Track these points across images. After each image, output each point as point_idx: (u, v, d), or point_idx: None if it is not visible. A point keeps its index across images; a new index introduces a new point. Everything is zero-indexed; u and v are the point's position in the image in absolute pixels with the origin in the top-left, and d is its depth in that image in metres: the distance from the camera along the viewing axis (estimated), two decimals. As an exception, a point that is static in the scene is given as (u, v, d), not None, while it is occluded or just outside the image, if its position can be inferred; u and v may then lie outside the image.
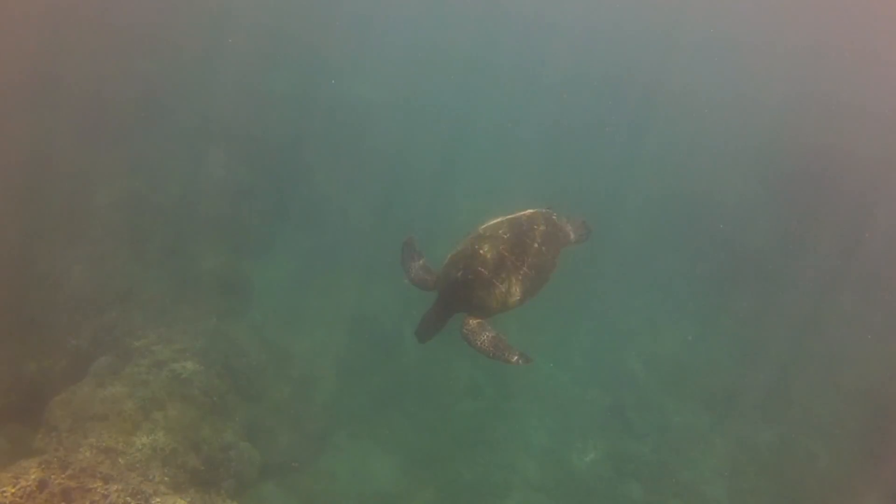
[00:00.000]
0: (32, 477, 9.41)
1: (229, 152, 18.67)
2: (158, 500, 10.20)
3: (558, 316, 16.20)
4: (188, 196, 17.13)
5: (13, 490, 9.06)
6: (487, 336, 6.49)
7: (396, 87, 24.29)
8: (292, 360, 14.59)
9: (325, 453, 13.52)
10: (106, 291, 14.03)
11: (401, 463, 13.80)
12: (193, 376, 12.66)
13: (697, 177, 22.20)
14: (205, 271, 15.38)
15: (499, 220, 7.08)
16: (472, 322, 6.52)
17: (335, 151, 20.45)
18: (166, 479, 10.99)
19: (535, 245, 6.77)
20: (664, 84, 26.05)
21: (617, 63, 28.03)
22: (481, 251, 6.53)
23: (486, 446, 14.45)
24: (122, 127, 18.06)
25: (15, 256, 13.98)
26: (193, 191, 17.58)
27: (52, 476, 9.58)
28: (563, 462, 14.50)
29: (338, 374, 14.74)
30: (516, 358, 6.48)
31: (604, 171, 22.27)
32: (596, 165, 22.47)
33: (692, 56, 27.60)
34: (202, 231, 16.36)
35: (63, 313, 13.62)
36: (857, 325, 18.01)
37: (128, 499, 9.74)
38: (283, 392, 13.95)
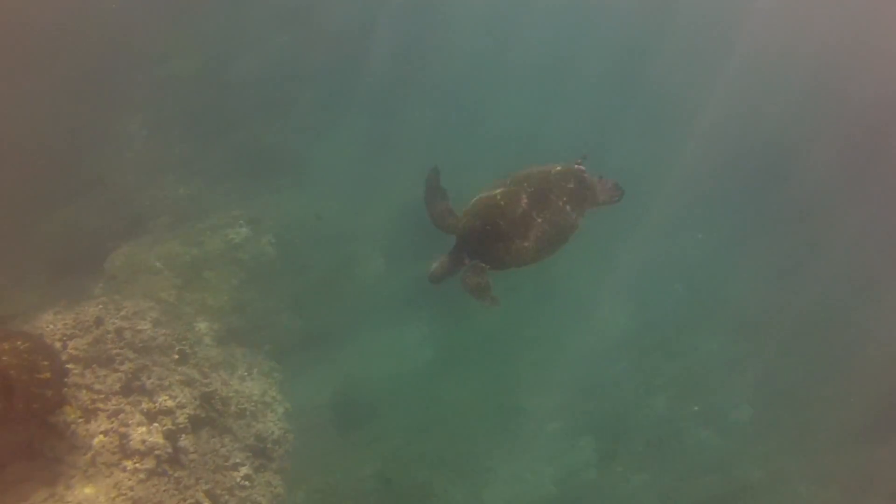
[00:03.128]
0: (91, 314, 10.16)
1: (297, 37, 18.81)
2: (201, 348, 10.95)
3: (604, 236, 16.22)
4: (256, 75, 17.44)
5: (74, 322, 9.84)
6: (477, 281, 6.43)
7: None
8: (342, 239, 14.98)
9: (363, 331, 14.02)
10: (169, 157, 14.61)
11: (436, 349, 14.25)
12: (245, 242, 13.28)
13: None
14: (266, 146, 15.90)
15: (528, 170, 6.85)
16: (478, 267, 6.44)
17: (405, 45, 20.35)
18: (211, 332, 11.72)
19: (560, 203, 6.55)
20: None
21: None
22: (502, 202, 6.39)
23: (521, 343, 14.77)
24: (197, 4, 18.30)
25: (85, 118, 14.56)
26: (261, 71, 17.85)
27: (108, 316, 10.33)
28: (594, 367, 14.78)
29: (384, 258, 15.12)
30: (490, 301, 6.47)
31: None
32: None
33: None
34: (266, 109, 16.73)
35: (127, 174, 14.27)
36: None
37: (173, 343, 10.48)
38: (329, 267, 14.44)
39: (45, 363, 7.65)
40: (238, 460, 9.79)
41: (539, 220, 6.40)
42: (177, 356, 10.40)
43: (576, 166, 6.94)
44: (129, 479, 8.58)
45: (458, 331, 14.17)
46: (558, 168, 6.84)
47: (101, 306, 10.56)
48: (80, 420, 8.84)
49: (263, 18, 18.77)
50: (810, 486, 13.05)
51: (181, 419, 9.59)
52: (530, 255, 6.45)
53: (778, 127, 20.88)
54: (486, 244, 6.35)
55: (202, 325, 11.63)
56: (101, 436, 8.84)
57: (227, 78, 17.25)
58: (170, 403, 9.61)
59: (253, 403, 10.78)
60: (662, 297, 16.77)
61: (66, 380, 8.51)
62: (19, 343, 7.62)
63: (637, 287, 16.55)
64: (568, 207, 6.57)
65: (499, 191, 6.53)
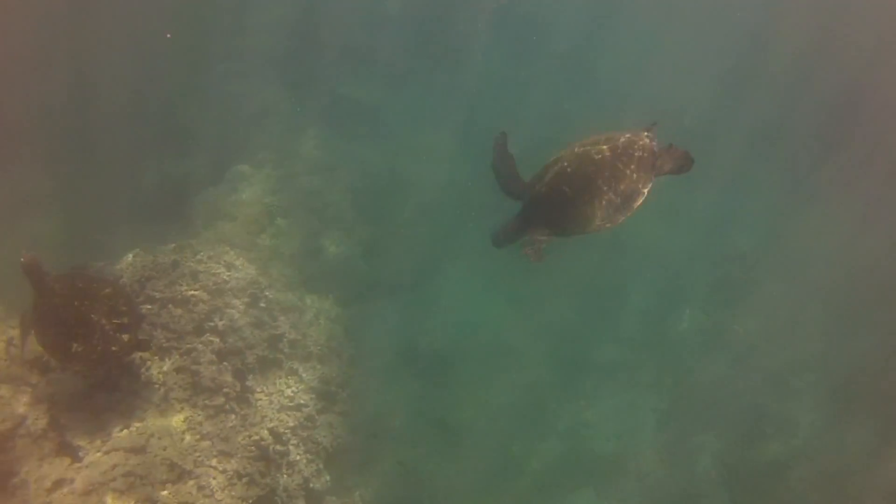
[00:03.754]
0: (168, 257, 10.67)
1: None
2: (272, 292, 11.38)
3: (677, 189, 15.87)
4: (336, 25, 17.62)
5: (152, 264, 10.38)
6: (535, 245, 6.41)
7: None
8: (416, 188, 15.15)
9: (432, 280, 14.23)
10: (250, 105, 15.01)
11: (504, 300, 14.35)
12: (319, 191, 13.63)
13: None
14: (342, 96, 16.13)
15: (596, 137, 6.67)
16: (538, 233, 6.41)
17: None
18: (283, 277, 12.15)
19: (628, 171, 6.37)
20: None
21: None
22: (569, 169, 6.29)
23: (588, 295, 14.72)
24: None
25: (171, 68, 15.06)
26: (342, 20, 18.00)
27: (184, 259, 10.83)
28: (659, 324, 14.64)
29: (457, 208, 15.18)
30: (536, 256, 6.44)
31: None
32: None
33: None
34: (345, 59, 16.93)
35: (210, 124, 14.73)
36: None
37: (245, 286, 10.93)
38: (402, 216, 14.68)
39: (124, 308, 8.07)
40: (302, 401, 10.20)
41: (605, 188, 6.29)
42: (248, 299, 10.83)
43: (645, 133, 6.82)
44: (199, 415, 9.09)
45: (524, 283, 14.18)
46: (627, 135, 6.62)
47: (177, 251, 11.03)
48: (155, 357, 9.37)
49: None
50: (869, 459, 12.67)
51: (250, 359, 10.05)
52: (595, 223, 6.37)
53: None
54: (552, 210, 6.33)
55: (274, 270, 12.05)
56: (174, 373, 9.35)
57: (305, 28, 17.45)
58: (240, 344, 10.07)
59: (319, 347, 11.16)
60: (731, 251, 16.35)
61: (142, 324, 8.99)
62: (102, 287, 8.09)
63: (706, 240, 16.20)
64: (635, 176, 6.41)
65: (566, 157, 6.45)
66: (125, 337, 7.97)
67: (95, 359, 7.77)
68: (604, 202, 6.28)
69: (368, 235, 13.99)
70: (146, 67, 15.27)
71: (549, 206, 6.30)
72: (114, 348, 7.85)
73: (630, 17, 22.35)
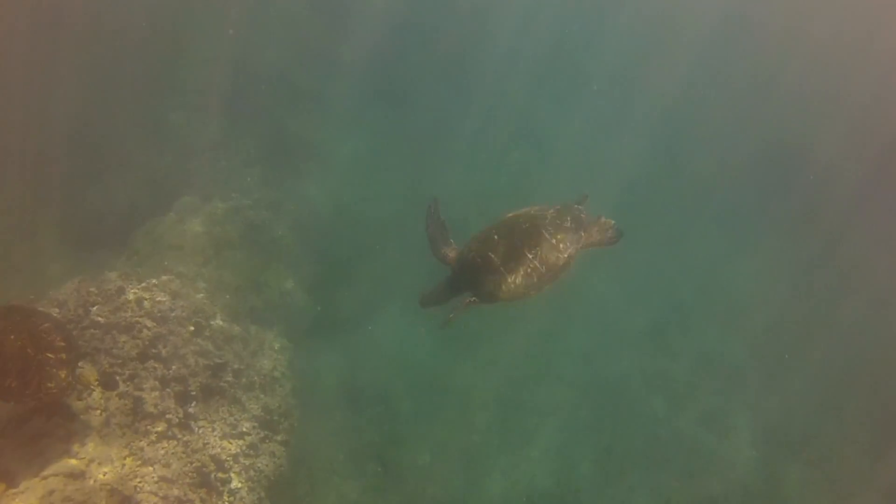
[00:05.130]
0: (113, 284, 10.66)
1: (332, 29, 19.24)
2: (217, 322, 11.40)
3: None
4: (285, 65, 17.90)
5: (97, 291, 10.34)
6: (461, 311, 6.65)
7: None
8: (359, 227, 15.38)
9: (375, 319, 14.41)
10: (197, 138, 15.12)
11: (443, 340, 14.54)
12: (266, 225, 13.77)
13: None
14: (290, 134, 16.36)
15: (526, 209, 6.95)
16: (466, 303, 6.58)
17: (445, 44, 20.64)
18: (228, 308, 12.17)
19: (553, 241, 6.60)
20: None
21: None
22: (496, 237, 6.50)
23: (526, 339, 15.05)
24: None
25: (118, 98, 15.10)
26: (291, 61, 18.30)
27: (129, 286, 10.81)
28: (597, 366, 15.04)
29: (401, 249, 15.43)
30: (450, 318, 6.70)
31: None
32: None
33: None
34: (294, 98, 17.18)
35: (155, 155, 14.80)
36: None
37: (190, 315, 10.95)
38: (346, 254, 14.85)
39: (62, 344, 8.03)
40: (244, 429, 10.20)
41: (530, 256, 6.51)
42: (192, 328, 10.84)
43: (575, 206, 7.13)
44: (141, 440, 9.04)
45: (466, 324, 14.36)
46: (557, 207, 6.97)
47: (123, 278, 11.01)
48: (97, 382, 9.30)
49: (294, 8, 19.20)
50: (805, 492, 13.21)
51: (193, 387, 10.04)
52: (520, 291, 6.56)
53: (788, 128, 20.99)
54: (478, 277, 6.49)
55: (219, 301, 12.06)
56: (117, 398, 9.29)
57: (256, 66, 17.69)
58: (183, 371, 10.06)
59: (262, 377, 11.20)
60: (669, 299, 16.95)
61: (80, 361, 8.93)
62: (40, 322, 8.05)
63: (645, 288, 16.76)
64: (562, 246, 6.66)
65: (495, 226, 6.70)
66: (62, 373, 7.92)
67: (30, 394, 7.71)
68: (529, 270, 6.50)
69: (313, 271, 14.13)
70: (92, 97, 15.27)
71: (475, 272, 6.49)
72: (49, 384, 7.79)
73: (577, 69, 23.14)
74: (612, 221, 7.24)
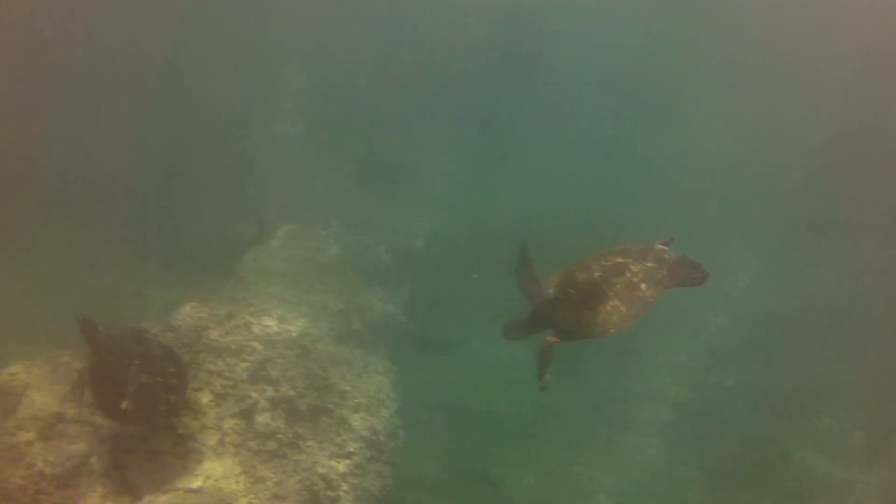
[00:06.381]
0: (223, 309, 11.07)
1: (423, 55, 19.61)
2: (322, 345, 11.65)
3: (723, 247, 16.02)
4: (377, 91, 18.35)
5: (208, 316, 10.76)
6: (544, 353, 6.59)
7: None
8: (456, 248, 15.49)
9: (475, 338, 14.41)
10: (298, 170, 15.61)
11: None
12: (365, 250, 14.03)
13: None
14: (385, 159, 16.70)
15: (611, 248, 6.94)
16: (550, 341, 6.49)
17: (536, 67, 20.74)
18: (331, 331, 12.41)
19: (635, 280, 6.58)
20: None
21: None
22: (577, 274, 6.53)
23: (627, 355, 14.76)
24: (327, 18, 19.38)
25: (219, 130, 15.76)
26: (383, 87, 18.74)
27: (238, 311, 11.20)
28: (699, 384, 14.56)
29: (498, 269, 15.39)
30: (542, 381, 6.62)
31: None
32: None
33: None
34: (388, 124, 17.57)
35: (257, 186, 15.34)
36: None
37: (297, 338, 11.24)
38: (445, 276, 14.94)
39: (173, 370, 8.41)
40: (352, 449, 10.31)
41: (610, 294, 6.46)
42: (299, 350, 11.10)
43: (658, 245, 7.05)
44: (253, 459, 9.28)
45: (567, 343, 14.22)
46: (640, 246, 6.92)
47: (232, 303, 11.42)
48: (212, 403, 9.64)
49: (386, 34, 19.68)
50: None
51: (302, 407, 10.25)
52: (599, 329, 6.47)
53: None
54: (558, 313, 6.45)
55: (323, 325, 12.30)
56: (230, 418, 9.59)
57: (350, 94, 18.19)
58: (291, 393, 10.30)
59: (368, 399, 11.31)
60: (770, 313, 16.33)
61: (191, 386, 9.28)
62: (153, 348, 8.45)
63: (745, 303, 16.23)
64: (643, 285, 6.60)
65: (579, 263, 6.70)
66: (173, 398, 8.26)
67: (142, 417, 8.08)
68: (609, 308, 6.42)
69: (413, 294, 14.28)
70: (195, 130, 16.00)
71: (555, 308, 6.44)
72: (161, 407, 8.14)
73: (670, 93, 22.77)
74: (698, 262, 7.08)
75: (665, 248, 6.98)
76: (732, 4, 21.61)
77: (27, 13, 16.76)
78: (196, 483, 8.50)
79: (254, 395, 9.99)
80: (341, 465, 9.98)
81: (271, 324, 11.21)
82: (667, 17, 22.44)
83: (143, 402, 7.93)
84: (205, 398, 9.70)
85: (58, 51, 16.86)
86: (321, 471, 9.67)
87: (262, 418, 9.71)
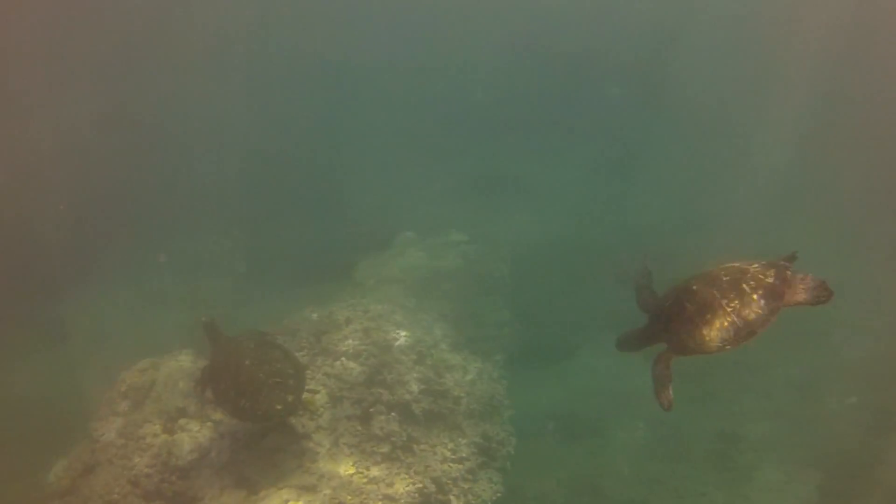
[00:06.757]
0: (342, 315, 11.38)
1: (533, 63, 19.64)
2: (438, 351, 11.76)
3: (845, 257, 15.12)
4: (490, 101, 18.49)
5: (327, 320, 11.11)
6: (661, 371, 6.38)
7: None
8: (570, 256, 15.33)
9: (587, 347, 14.17)
10: (416, 179, 15.92)
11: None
12: (480, 258, 14.09)
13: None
14: (500, 167, 16.85)
15: (731, 263, 6.66)
16: (664, 356, 6.35)
17: (637, 67, 20.41)
18: (447, 338, 12.52)
19: (754, 296, 6.32)
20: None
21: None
22: (694, 287, 6.31)
23: (744, 368, 14.17)
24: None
25: (334, 139, 16.28)
26: (496, 97, 18.89)
27: (356, 317, 11.48)
28: (819, 400, 13.72)
29: (612, 277, 15.14)
30: (664, 400, 6.38)
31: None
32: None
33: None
34: (501, 133, 17.66)
35: (377, 192, 15.73)
36: None
37: (413, 344, 11.39)
38: (558, 283, 14.83)
39: (291, 371, 8.68)
40: (464, 454, 10.31)
41: (728, 310, 6.22)
42: (415, 356, 11.24)
43: (781, 262, 6.77)
44: (366, 460, 9.43)
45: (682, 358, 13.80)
46: (762, 262, 6.61)
47: (350, 308, 11.72)
48: (329, 405, 9.89)
49: (502, 44, 19.82)
50: None
51: (416, 412, 10.36)
52: (713, 344, 6.26)
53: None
54: (671, 326, 6.29)
55: (438, 331, 12.43)
56: (345, 420, 9.82)
57: (463, 103, 18.42)
58: (406, 397, 10.43)
59: (481, 405, 11.31)
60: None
61: (308, 387, 9.56)
62: (273, 350, 8.76)
63: (869, 314, 15.21)
64: (763, 302, 6.31)
65: (696, 277, 6.50)
66: (290, 398, 8.50)
67: (260, 415, 8.35)
68: (725, 324, 6.18)
69: (527, 301, 14.22)
70: (315, 140, 16.58)
71: (669, 321, 6.29)
72: (278, 407, 8.38)
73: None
74: (821, 279, 6.71)
75: (787, 264, 6.70)
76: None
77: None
78: (310, 481, 8.72)
79: (369, 398, 10.17)
80: (453, 470, 9.99)
81: (388, 329, 11.43)
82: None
83: (260, 401, 8.20)
84: (321, 400, 9.96)
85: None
86: (433, 474, 9.70)
87: (376, 421, 9.87)
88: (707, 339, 6.18)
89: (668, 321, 6.29)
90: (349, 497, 8.80)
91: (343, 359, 10.58)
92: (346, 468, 9.19)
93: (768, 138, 19.59)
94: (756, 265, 6.55)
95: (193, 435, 9.17)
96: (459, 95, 18.46)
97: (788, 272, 6.57)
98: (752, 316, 6.26)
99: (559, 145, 17.81)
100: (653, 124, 19.21)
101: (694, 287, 6.32)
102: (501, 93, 18.86)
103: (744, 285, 6.33)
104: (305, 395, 9.44)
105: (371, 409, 10.04)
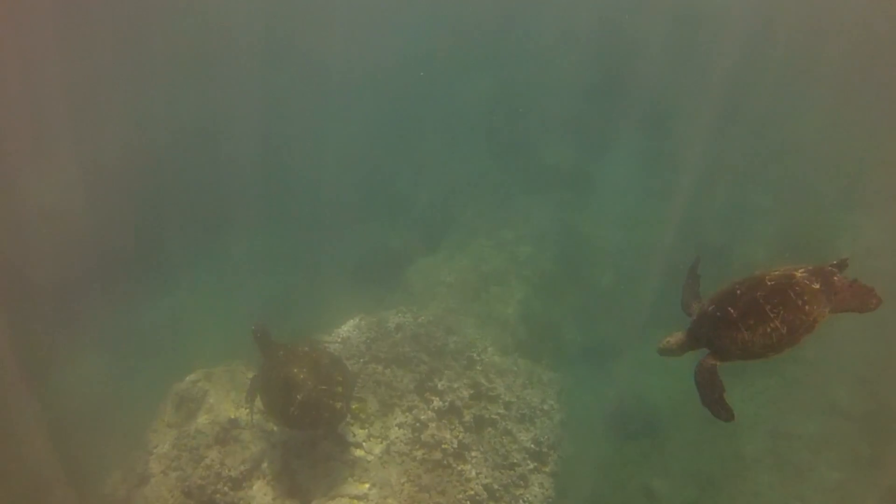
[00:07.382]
0: (392, 321, 11.49)
1: (581, 54, 19.43)
2: (487, 355, 11.79)
3: None
4: (540, 95, 18.34)
5: (377, 327, 11.29)
6: (706, 378, 6.29)
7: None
8: (623, 255, 15.15)
9: (641, 346, 13.99)
10: (465, 180, 15.92)
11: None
12: (530, 259, 14.04)
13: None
14: (548, 166, 16.59)
15: (779, 267, 6.56)
16: (707, 363, 6.27)
17: (683, 60, 20.01)
18: (497, 342, 12.55)
19: (800, 302, 6.23)
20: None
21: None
22: (738, 291, 6.24)
23: (799, 364, 13.86)
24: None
25: (386, 139, 16.34)
26: (544, 90, 18.72)
27: (406, 323, 11.57)
28: (876, 395, 13.36)
29: (664, 275, 14.96)
30: (722, 413, 6.27)
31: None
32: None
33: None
34: (549, 128, 17.50)
35: (421, 194, 15.78)
36: None
37: (463, 349, 11.44)
38: (610, 283, 14.68)
39: (340, 378, 8.80)
40: (515, 460, 10.35)
41: (772, 315, 6.14)
42: (465, 362, 11.29)
43: (829, 267, 6.62)
44: (418, 468, 9.52)
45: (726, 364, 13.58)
46: (809, 267, 6.49)
47: (400, 314, 11.82)
48: (379, 413, 10.01)
49: (556, 35, 19.62)
50: None
51: (467, 418, 10.42)
52: (756, 350, 6.20)
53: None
54: (714, 330, 6.25)
55: (488, 335, 12.47)
56: (396, 428, 9.92)
57: (512, 99, 18.32)
58: (457, 404, 10.49)
59: (532, 409, 11.31)
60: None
61: (358, 395, 9.69)
62: (322, 358, 8.90)
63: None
64: (808, 308, 6.22)
65: (741, 281, 6.42)
66: (339, 405, 8.62)
67: (308, 422, 8.50)
68: (768, 329, 6.12)
69: (577, 301, 14.12)
70: (366, 142, 16.71)
71: (712, 325, 6.24)
72: (326, 414, 8.52)
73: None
74: (870, 287, 6.53)
75: (835, 270, 6.56)
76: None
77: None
78: (362, 489, 8.85)
79: (420, 405, 10.26)
80: (504, 476, 10.03)
81: (438, 335, 11.49)
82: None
83: (309, 408, 8.35)
84: (372, 407, 10.08)
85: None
86: (485, 481, 9.76)
87: (427, 428, 9.93)
88: (749, 344, 6.13)
89: (709, 325, 6.25)
90: (401, 505, 8.89)
91: (393, 366, 10.68)
92: (397, 476, 9.31)
93: (828, 125, 19.01)
94: (802, 270, 6.42)
95: (245, 445, 9.38)
96: (507, 91, 18.34)
97: (836, 278, 6.46)
98: (798, 322, 6.18)
99: (612, 140, 17.59)
100: (701, 115, 18.83)
101: (738, 291, 6.25)
102: (552, 87, 18.69)
103: (789, 291, 6.24)
104: (354, 404, 9.60)
105: (422, 417, 10.09)
